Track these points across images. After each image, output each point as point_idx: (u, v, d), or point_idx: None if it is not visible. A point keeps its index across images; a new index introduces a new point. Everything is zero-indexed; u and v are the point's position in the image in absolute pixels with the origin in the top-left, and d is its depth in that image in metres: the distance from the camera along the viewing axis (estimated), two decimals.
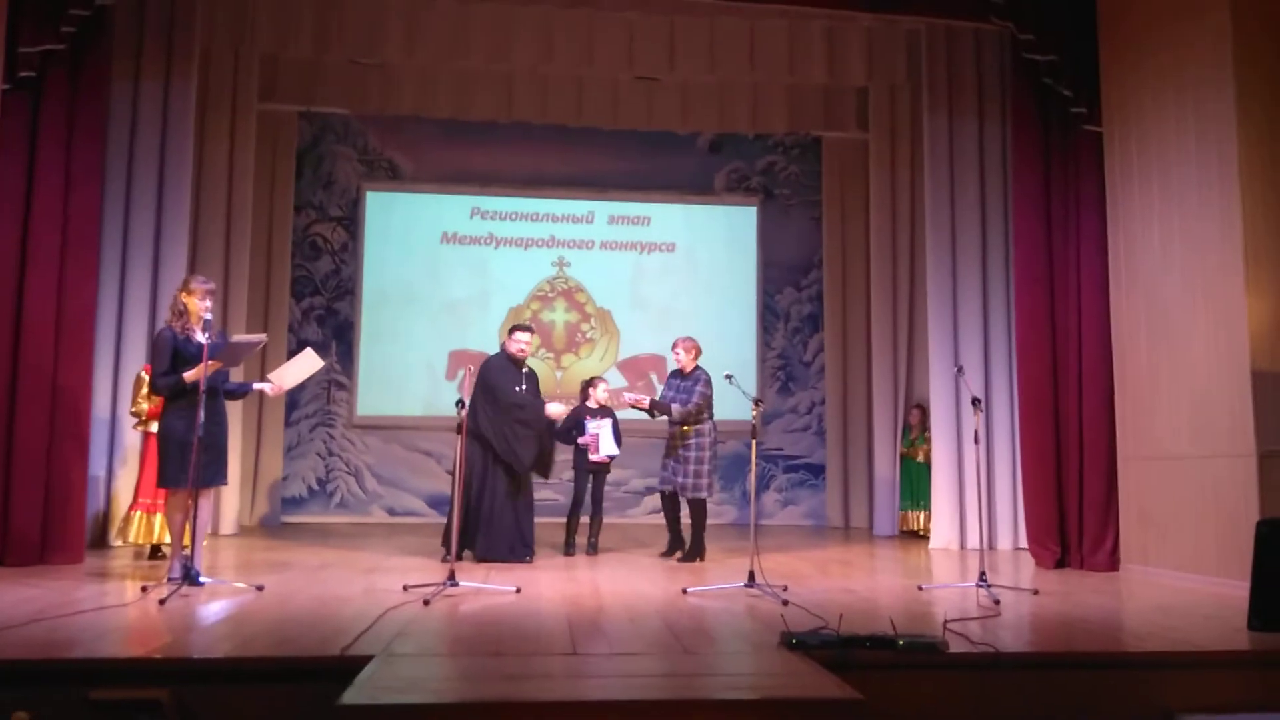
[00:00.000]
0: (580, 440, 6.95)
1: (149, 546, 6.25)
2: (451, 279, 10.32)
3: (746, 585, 5.09)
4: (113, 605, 4.39)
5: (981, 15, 6.95)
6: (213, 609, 4.44)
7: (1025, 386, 6.86)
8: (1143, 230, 6.38)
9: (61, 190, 6.10)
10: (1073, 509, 6.60)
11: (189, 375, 4.92)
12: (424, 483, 9.92)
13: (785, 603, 4.62)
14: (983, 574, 5.22)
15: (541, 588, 5.22)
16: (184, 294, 5.12)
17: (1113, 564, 6.41)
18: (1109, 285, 6.65)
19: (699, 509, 6.61)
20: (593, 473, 7.00)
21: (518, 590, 5.04)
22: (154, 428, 5.96)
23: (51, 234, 6.03)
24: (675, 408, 6.51)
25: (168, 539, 5.92)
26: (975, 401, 5.66)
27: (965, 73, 7.91)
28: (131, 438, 6.85)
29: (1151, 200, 6.31)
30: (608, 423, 6.99)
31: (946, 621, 4.07)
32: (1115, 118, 6.67)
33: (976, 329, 7.74)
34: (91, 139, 6.30)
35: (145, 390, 6.17)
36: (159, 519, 6.13)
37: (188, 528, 5.02)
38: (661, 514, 6.95)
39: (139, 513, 6.20)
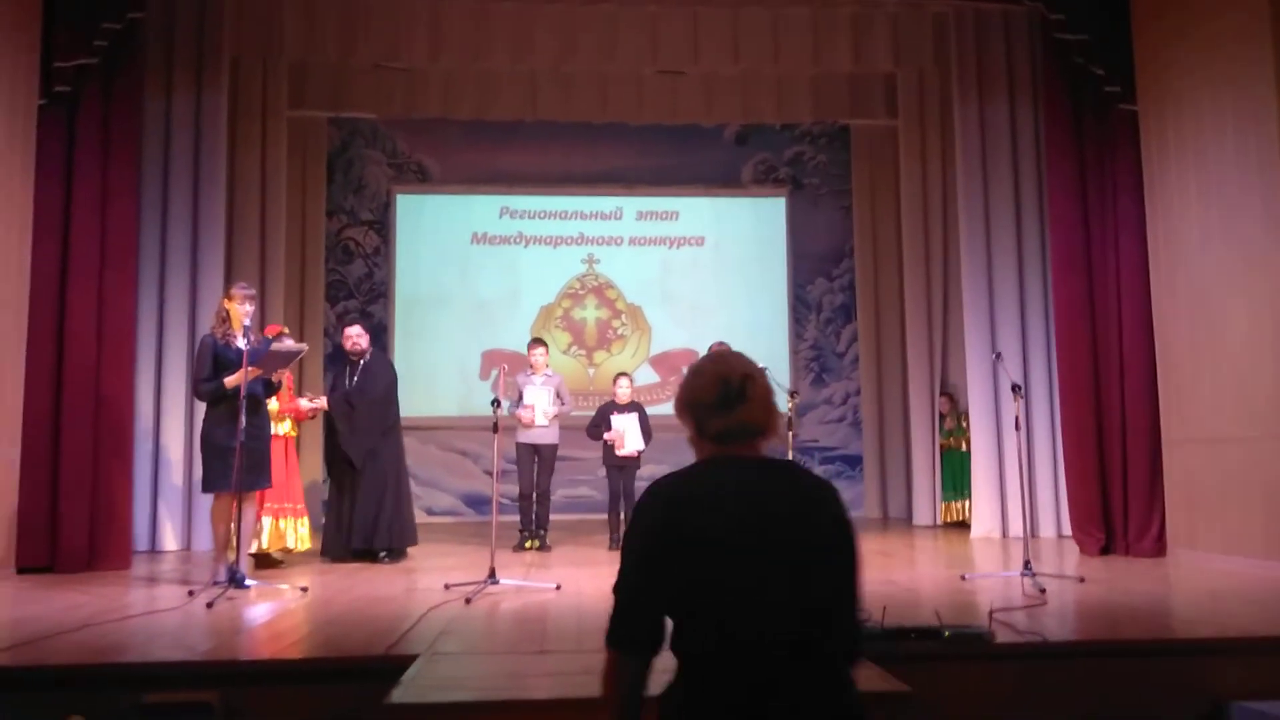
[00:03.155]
0: (606, 436, 7.00)
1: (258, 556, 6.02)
2: (482, 279, 10.36)
3: None
4: (161, 610, 4.46)
5: None
6: (259, 611, 4.50)
7: (1065, 372, 6.77)
8: (1181, 211, 6.26)
9: (99, 203, 6.21)
10: (1117, 495, 6.51)
11: (229, 380, 5.00)
12: (461, 482, 9.97)
13: None
14: (1027, 562, 5.15)
15: (582, 584, 5.23)
16: (226, 300, 5.22)
17: (1159, 549, 6.31)
18: (1148, 267, 6.54)
19: None
20: (621, 468, 7.03)
21: (558, 587, 5.06)
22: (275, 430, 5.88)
23: (91, 246, 6.14)
24: None
25: (279, 546, 6.07)
26: (1015, 388, 5.58)
27: (995, 55, 7.79)
28: (174, 445, 6.96)
29: (1189, 180, 6.19)
30: (633, 417, 7.02)
31: (992, 611, 4.02)
32: (1150, 97, 6.55)
33: (1013, 315, 7.63)
34: (127, 151, 6.40)
35: None
36: (274, 524, 6.04)
37: (234, 531, 5.09)
38: None
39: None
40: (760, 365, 1.95)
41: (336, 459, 6.45)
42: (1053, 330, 7.24)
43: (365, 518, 6.29)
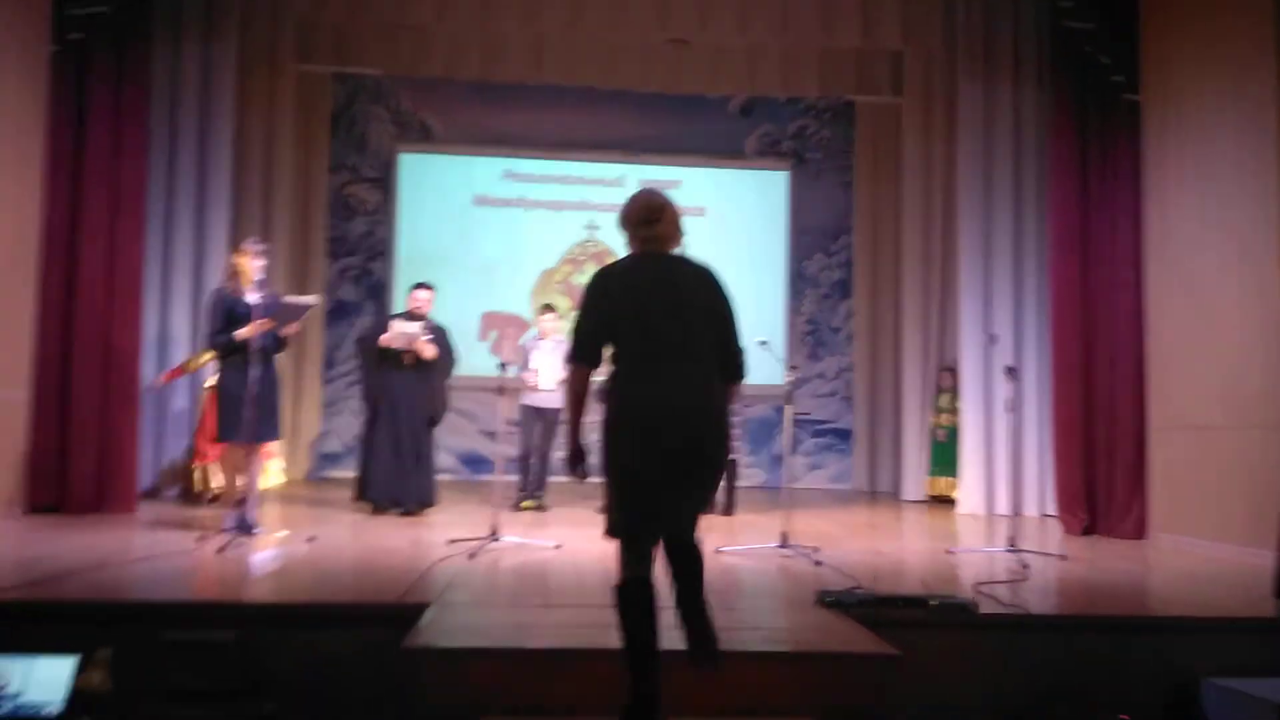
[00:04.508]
0: None
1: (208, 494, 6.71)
2: (484, 241, 10.39)
3: (779, 546, 5.22)
4: (173, 552, 4.58)
5: None
6: (268, 558, 4.63)
7: (1058, 355, 6.91)
8: (1178, 200, 6.37)
9: (110, 152, 6.23)
10: (1101, 477, 6.67)
11: (240, 333, 5.11)
12: (458, 441, 10.06)
13: (818, 563, 4.75)
14: (1012, 539, 5.31)
15: (580, 544, 5.37)
16: (236, 255, 5.29)
17: (1140, 531, 6.48)
18: (1143, 255, 6.66)
19: (732, 469, 7.07)
20: None
21: (558, 546, 5.19)
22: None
23: (100, 197, 6.18)
24: None
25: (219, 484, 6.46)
26: (1010, 370, 5.71)
27: (1002, 39, 7.84)
28: (178, 394, 7.06)
29: (1188, 170, 6.29)
30: None
31: (977, 584, 4.17)
32: (1154, 87, 6.63)
33: (1009, 296, 7.75)
34: (137, 101, 6.41)
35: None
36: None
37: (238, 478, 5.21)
38: None
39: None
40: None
41: (392, 408, 6.52)
42: (1047, 312, 7.37)
43: (429, 475, 6.61)
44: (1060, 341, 6.89)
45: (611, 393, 2.86)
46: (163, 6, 6.99)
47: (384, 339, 6.46)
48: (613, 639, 2.84)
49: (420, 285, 6.81)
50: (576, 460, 2.93)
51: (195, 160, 7.32)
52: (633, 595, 2.78)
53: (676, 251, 3.05)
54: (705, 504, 2.97)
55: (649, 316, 2.83)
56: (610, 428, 2.82)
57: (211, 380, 6.55)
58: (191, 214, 7.32)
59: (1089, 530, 6.65)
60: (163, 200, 7.21)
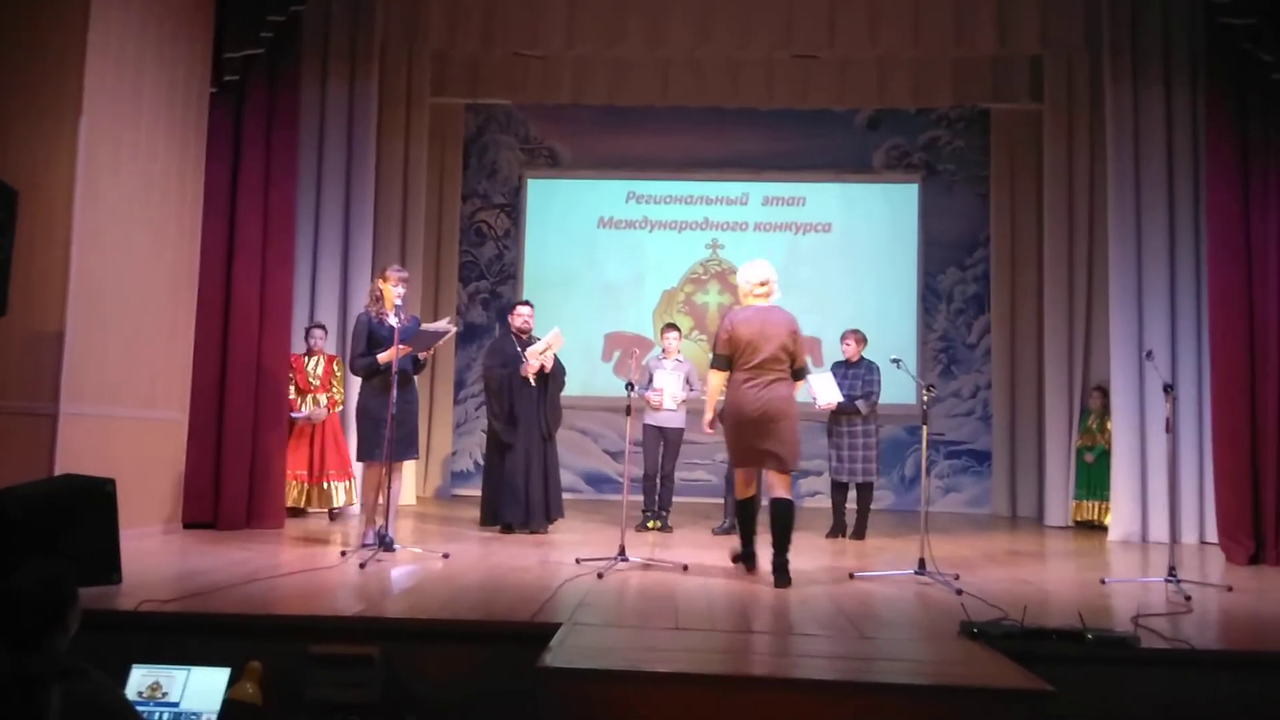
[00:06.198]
0: None
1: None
2: (607, 262, 10.52)
3: (916, 572, 5.03)
4: (319, 568, 4.78)
5: None
6: (406, 573, 4.77)
7: (1219, 372, 6.45)
8: None
9: (262, 185, 6.60)
10: (1269, 501, 6.18)
11: (382, 356, 5.32)
12: (581, 460, 10.19)
13: (959, 591, 4.54)
14: (1172, 568, 4.97)
15: (707, 566, 5.32)
16: (380, 280, 5.51)
17: None
18: None
19: (868, 492, 7.00)
20: None
21: (685, 567, 5.16)
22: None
23: (254, 225, 6.53)
24: (862, 404, 6.84)
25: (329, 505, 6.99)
26: (1167, 388, 5.36)
27: (1151, 38, 7.42)
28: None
29: None
30: None
31: (1137, 616, 3.91)
32: None
33: (1163, 310, 7.29)
34: (287, 135, 6.77)
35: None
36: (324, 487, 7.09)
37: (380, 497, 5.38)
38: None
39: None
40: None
41: (516, 429, 6.63)
42: (1205, 326, 6.91)
43: (556, 491, 6.73)
44: (1221, 357, 6.43)
45: (730, 387, 4.92)
46: (310, 47, 7.39)
47: (528, 367, 6.63)
48: (749, 665, 2.85)
49: (522, 302, 7.04)
50: (714, 424, 5.03)
51: (340, 191, 7.69)
52: (745, 506, 5.12)
53: (774, 301, 5.01)
54: (785, 458, 4.83)
55: (754, 345, 4.82)
56: (729, 406, 4.93)
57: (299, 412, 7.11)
58: (338, 241, 7.69)
59: (1255, 559, 6.17)
60: (310, 228, 7.59)
